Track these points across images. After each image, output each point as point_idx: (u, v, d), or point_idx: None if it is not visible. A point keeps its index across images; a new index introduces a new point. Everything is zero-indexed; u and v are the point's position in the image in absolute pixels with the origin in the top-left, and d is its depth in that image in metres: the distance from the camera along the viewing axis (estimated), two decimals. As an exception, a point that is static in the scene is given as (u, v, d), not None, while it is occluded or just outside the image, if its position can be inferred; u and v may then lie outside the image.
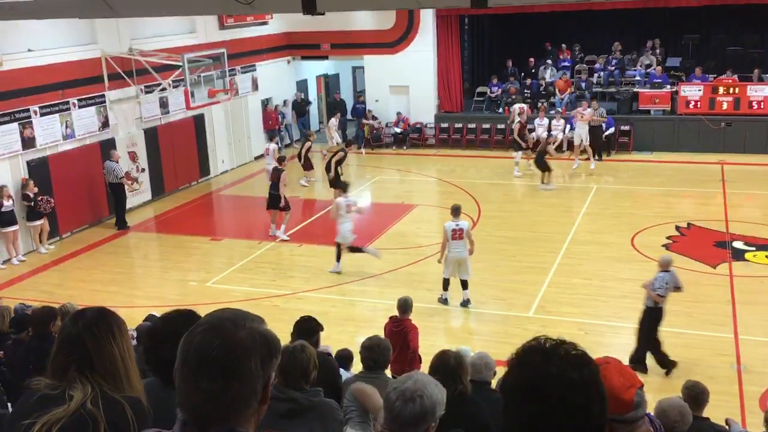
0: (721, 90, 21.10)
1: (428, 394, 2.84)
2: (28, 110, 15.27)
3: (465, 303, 11.84)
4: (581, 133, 19.88)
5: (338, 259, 13.45)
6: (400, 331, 8.21)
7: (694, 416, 5.19)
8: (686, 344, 10.27)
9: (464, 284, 11.87)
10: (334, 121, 22.96)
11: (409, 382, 2.86)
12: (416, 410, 2.79)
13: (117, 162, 16.64)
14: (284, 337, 5.24)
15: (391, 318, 8.58)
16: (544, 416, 1.62)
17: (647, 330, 9.58)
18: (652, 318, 9.59)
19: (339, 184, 16.81)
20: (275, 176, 15.46)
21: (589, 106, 20.12)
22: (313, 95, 26.69)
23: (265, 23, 22.92)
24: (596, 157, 20.79)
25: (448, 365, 4.89)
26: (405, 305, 8.48)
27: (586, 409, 1.63)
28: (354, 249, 13.49)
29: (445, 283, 11.93)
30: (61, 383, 2.38)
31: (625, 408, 2.02)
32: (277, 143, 20.45)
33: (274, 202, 15.37)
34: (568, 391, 1.61)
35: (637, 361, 9.43)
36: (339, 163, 17.09)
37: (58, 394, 2.35)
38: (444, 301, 11.95)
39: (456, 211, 11.71)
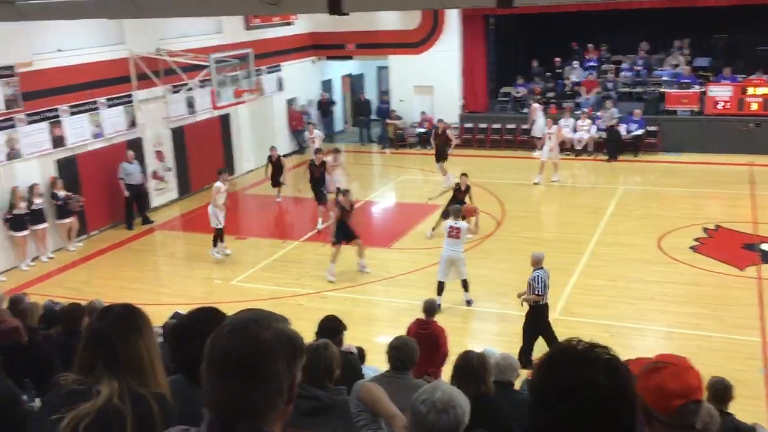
0: (750, 90, 20.81)
1: (459, 403, 2.86)
2: (57, 110, 15.49)
3: (468, 303, 11.91)
4: (547, 152, 18.73)
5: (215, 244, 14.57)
6: (429, 335, 8.17)
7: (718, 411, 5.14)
8: (713, 347, 10.15)
9: (464, 285, 11.86)
10: (307, 134, 20.94)
11: (438, 392, 2.86)
12: (451, 421, 2.80)
13: (131, 162, 16.65)
14: (308, 336, 5.27)
15: (417, 320, 8.55)
16: (572, 418, 1.62)
17: (534, 328, 9.75)
18: (540, 316, 9.78)
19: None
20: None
21: (554, 123, 19.31)
22: (337, 95, 26.76)
23: (290, 24, 23.02)
24: (613, 158, 20.78)
25: (471, 366, 4.89)
26: (432, 308, 8.48)
27: (614, 413, 1.63)
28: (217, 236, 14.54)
29: (438, 288, 11.68)
30: (88, 379, 2.41)
31: (665, 412, 1.99)
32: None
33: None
34: (597, 395, 1.62)
35: (522, 356, 9.46)
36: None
37: (85, 389, 2.38)
38: (438, 305, 10.88)
39: (456, 212, 11.96)
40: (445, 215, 14.35)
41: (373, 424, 4.55)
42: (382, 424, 4.53)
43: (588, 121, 21.44)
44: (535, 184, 18.76)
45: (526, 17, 24.08)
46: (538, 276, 9.65)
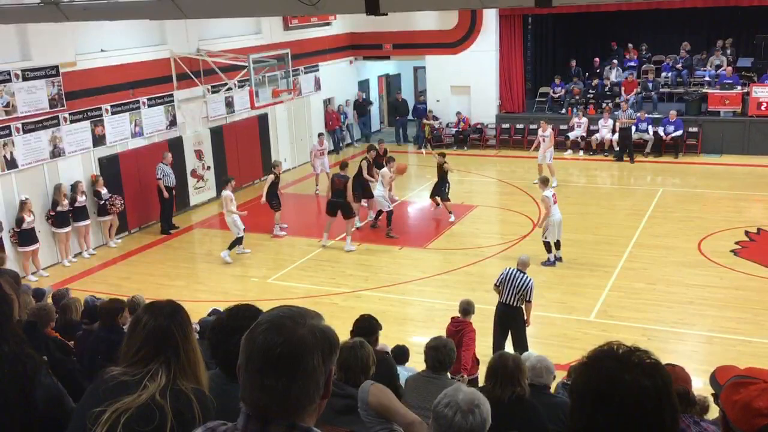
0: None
1: (483, 402, 2.87)
2: (100, 109, 15.79)
3: (560, 259, 13.51)
4: (546, 155, 18.48)
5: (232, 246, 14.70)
6: (457, 332, 8.25)
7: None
8: (755, 353, 9.94)
9: (557, 244, 13.46)
10: (317, 145, 19.46)
11: (460, 394, 2.87)
12: (478, 421, 2.81)
13: (167, 164, 16.43)
14: (343, 335, 5.30)
15: (452, 318, 8.63)
16: (615, 422, 1.62)
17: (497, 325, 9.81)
18: (497, 315, 9.86)
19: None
20: (341, 183, 14.93)
21: (549, 127, 18.93)
22: (374, 95, 26.81)
23: (328, 24, 23.15)
24: (627, 159, 20.70)
25: (506, 367, 4.86)
26: (467, 308, 8.52)
27: (658, 417, 1.63)
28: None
29: (550, 246, 13.41)
30: (140, 372, 2.46)
31: (747, 430, 1.94)
32: None
33: (343, 209, 14.82)
34: (641, 399, 1.61)
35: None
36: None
37: (132, 381, 2.43)
38: (552, 263, 13.38)
39: (546, 181, 13.61)
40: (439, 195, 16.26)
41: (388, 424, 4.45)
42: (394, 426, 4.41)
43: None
44: (535, 183, 18.63)
45: (564, 17, 23.89)
46: (503, 270, 9.83)
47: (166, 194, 16.38)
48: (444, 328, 8.75)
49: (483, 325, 9.81)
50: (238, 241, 14.70)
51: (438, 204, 16.55)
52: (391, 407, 4.10)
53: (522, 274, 9.57)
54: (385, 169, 15.67)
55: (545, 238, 13.43)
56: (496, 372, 4.85)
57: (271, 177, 15.82)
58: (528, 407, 4.80)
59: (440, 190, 16.22)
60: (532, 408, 4.83)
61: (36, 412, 2.71)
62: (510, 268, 9.70)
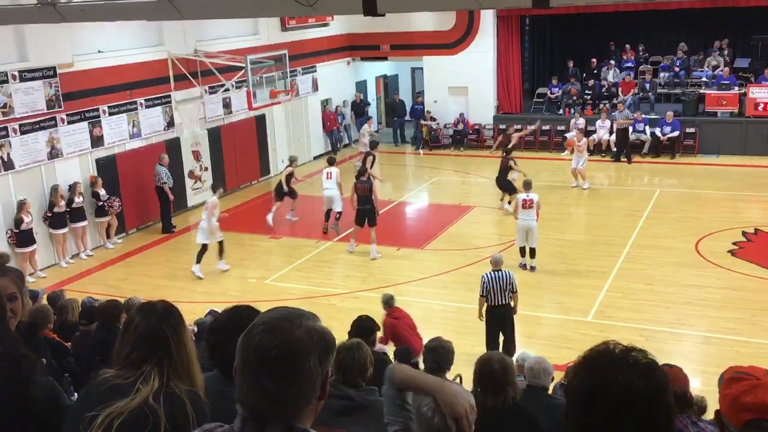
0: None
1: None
2: (97, 110, 15.77)
3: (531, 269, 13.24)
4: (580, 161, 18.54)
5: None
6: (404, 317, 8.88)
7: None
8: (752, 354, 9.95)
9: (532, 252, 13.25)
10: (366, 127, 21.56)
11: None
12: None
13: (166, 166, 16.52)
14: (341, 336, 5.30)
15: (386, 314, 8.94)
16: (608, 423, 1.61)
17: (490, 327, 9.79)
18: (491, 317, 9.83)
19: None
20: (364, 190, 14.38)
21: (584, 135, 19.15)
22: (372, 96, 26.81)
23: (325, 25, 23.14)
24: (624, 159, 20.72)
25: (494, 373, 4.54)
26: (388, 300, 9.14)
27: (652, 418, 1.62)
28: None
29: (521, 251, 13.35)
30: (133, 375, 2.43)
31: (735, 423, 1.96)
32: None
33: (369, 217, 14.35)
34: (634, 400, 1.61)
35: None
36: (372, 165, 16.28)
37: (126, 384, 2.40)
38: (523, 266, 13.19)
39: (528, 185, 13.29)
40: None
41: (402, 411, 4.35)
42: (412, 414, 4.30)
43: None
44: (573, 187, 18.70)
45: (561, 18, 23.89)
46: (481, 278, 9.76)
47: (171, 197, 16.44)
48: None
49: (480, 325, 9.83)
50: None
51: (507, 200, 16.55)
52: (417, 376, 4.01)
53: (501, 272, 9.70)
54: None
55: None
56: (484, 379, 4.60)
57: (290, 169, 16.22)
58: (520, 412, 4.64)
59: (505, 181, 16.41)
60: (525, 412, 4.72)
61: (32, 411, 2.70)
62: (488, 274, 9.73)
